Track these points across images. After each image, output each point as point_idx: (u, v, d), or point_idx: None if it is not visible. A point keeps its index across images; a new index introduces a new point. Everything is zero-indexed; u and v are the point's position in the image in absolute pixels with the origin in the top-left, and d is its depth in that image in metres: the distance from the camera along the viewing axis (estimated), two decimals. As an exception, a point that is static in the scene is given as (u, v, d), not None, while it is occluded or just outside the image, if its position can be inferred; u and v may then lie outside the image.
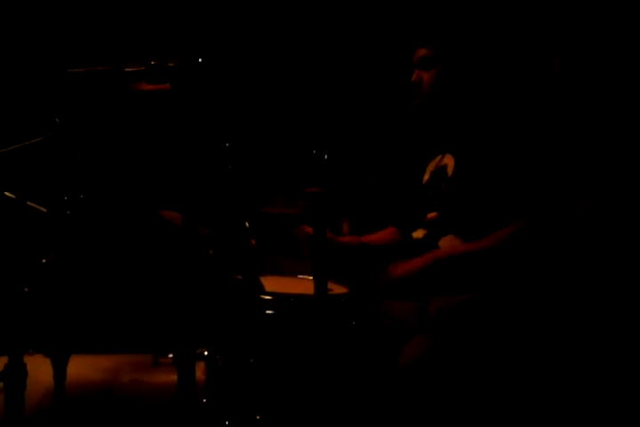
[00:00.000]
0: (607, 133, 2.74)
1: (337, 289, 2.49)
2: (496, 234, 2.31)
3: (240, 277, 2.30)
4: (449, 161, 2.52)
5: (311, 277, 2.13)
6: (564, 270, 2.61)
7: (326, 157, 2.17)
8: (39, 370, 2.08)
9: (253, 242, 2.29)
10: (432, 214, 2.51)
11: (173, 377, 2.00)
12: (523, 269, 2.35)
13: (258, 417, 2.21)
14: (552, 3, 2.89)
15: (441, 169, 2.54)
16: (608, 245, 2.69)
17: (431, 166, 2.60)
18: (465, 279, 2.33)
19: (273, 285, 2.40)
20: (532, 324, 2.35)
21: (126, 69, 1.97)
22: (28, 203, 2.20)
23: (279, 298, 2.33)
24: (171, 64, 1.97)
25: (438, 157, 2.58)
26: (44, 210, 2.23)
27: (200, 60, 1.98)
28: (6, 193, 2.19)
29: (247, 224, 2.29)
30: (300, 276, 2.68)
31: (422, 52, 2.51)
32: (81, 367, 2.26)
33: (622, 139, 2.73)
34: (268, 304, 2.31)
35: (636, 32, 2.71)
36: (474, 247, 2.33)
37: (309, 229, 2.48)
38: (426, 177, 2.60)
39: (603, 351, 2.60)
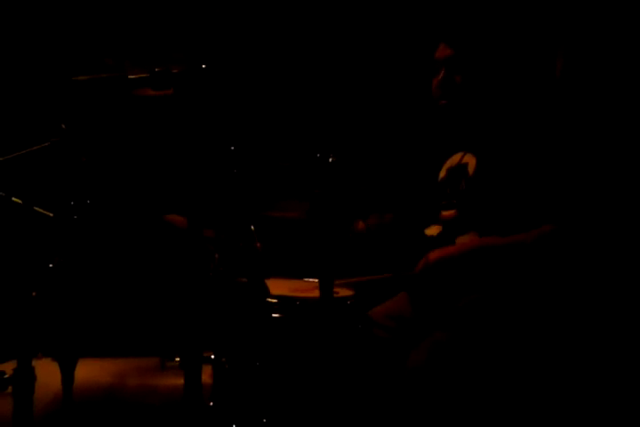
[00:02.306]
0: (612, 137, 2.73)
1: (343, 292, 2.50)
2: (528, 234, 2.28)
3: (245, 280, 2.30)
4: (470, 160, 2.48)
5: (317, 280, 2.13)
6: (579, 274, 2.60)
7: (330, 159, 2.17)
8: (47, 374, 2.09)
9: (259, 245, 2.30)
10: (449, 212, 2.49)
11: (180, 380, 2.01)
12: (541, 270, 2.33)
13: (264, 420, 2.22)
14: (554, 6, 2.88)
15: (460, 167, 2.51)
16: (620, 251, 2.69)
17: (449, 164, 2.57)
18: (488, 274, 2.31)
19: (278, 288, 2.40)
20: (545, 324, 2.34)
21: (130, 76, 1.99)
22: (35, 208, 2.22)
23: (285, 301, 2.34)
24: (174, 70, 1.98)
25: (458, 156, 2.54)
26: (51, 215, 2.24)
27: (203, 65, 2.00)
28: (13, 198, 2.20)
29: (253, 227, 2.30)
30: (306, 279, 2.68)
31: (448, 51, 2.46)
32: (88, 371, 2.27)
33: (627, 142, 2.72)
34: (273, 307, 2.32)
35: (638, 35, 2.71)
36: (514, 240, 2.29)
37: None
38: (442, 174, 2.58)
39: (613, 353, 2.60)
